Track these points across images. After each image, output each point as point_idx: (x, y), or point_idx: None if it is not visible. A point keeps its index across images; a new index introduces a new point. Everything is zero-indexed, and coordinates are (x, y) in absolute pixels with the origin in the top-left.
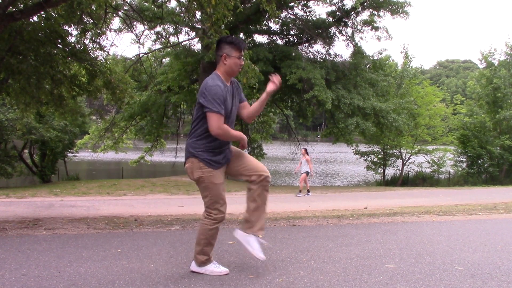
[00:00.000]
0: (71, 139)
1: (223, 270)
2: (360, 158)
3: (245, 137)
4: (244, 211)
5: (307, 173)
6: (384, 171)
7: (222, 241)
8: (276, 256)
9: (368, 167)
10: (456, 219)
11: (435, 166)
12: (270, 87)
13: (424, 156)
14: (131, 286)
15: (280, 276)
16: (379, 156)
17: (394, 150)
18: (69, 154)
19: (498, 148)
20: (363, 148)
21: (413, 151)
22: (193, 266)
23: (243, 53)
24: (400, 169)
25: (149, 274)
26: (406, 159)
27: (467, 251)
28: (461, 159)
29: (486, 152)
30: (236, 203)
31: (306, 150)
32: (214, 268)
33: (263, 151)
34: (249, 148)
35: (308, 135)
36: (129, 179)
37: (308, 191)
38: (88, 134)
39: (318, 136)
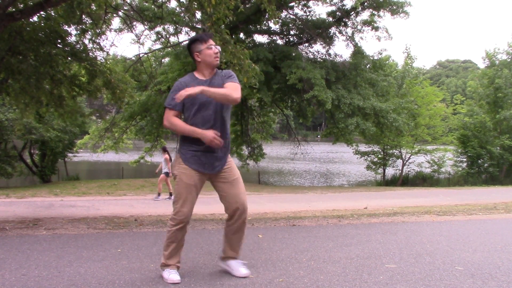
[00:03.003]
0: (71, 139)
1: (174, 279)
2: (360, 158)
3: (207, 136)
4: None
5: (167, 174)
6: (384, 171)
7: (222, 241)
8: (276, 256)
9: (368, 167)
10: (456, 219)
11: (435, 166)
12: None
13: (424, 156)
14: (131, 286)
15: (280, 276)
16: (379, 156)
17: (394, 150)
18: (69, 154)
19: (498, 148)
20: (363, 148)
21: (413, 151)
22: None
23: (211, 42)
24: (400, 169)
25: (149, 274)
26: (406, 159)
27: (467, 251)
28: (461, 159)
29: (486, 152)
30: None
31: (164, 148)
32: (166, 274)
33: (263, 151)
34: (249, 148)
35: (308, 135)
36: (129, 179)
37: (171, 194)
38: (88, 134)
39: (318, 136)
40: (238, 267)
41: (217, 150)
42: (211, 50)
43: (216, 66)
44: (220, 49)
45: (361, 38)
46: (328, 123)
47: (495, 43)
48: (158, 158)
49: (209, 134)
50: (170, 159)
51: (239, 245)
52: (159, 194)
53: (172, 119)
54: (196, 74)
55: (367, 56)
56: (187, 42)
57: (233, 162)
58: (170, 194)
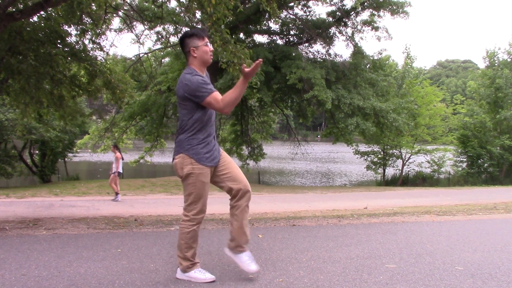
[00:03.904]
0: (71, 139)
1: (208, 277)
2: (360, 158)
3: (252, 70)
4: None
5: (118, 173)
6: (384, 171)
7: (222, 241)
8: (276, 256)
9: (368, 167)
10: (456, 219)
11: (435, 166)
12: (248, 69)
13: (424, 156)
14: (131, 286)
15: (280, 276)
16: (379, 156)
17: (394, 150)
18: (69, 154)
19: (498, 148)
20: (363, 148)
21: (413, 151)
22: (178, 273)
23: (207, 39)
24: (400, 169)
25: (149, 274)
26: (406, 159)
27: (467, 251)
28: (461, 159)
29: (486, 152)
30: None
31: (115, 145)
32: (199, 275)
33: (263, 151)
34: (249, 148)
35: (308, 135)
36: (129, 179)
37: (117, 194)
38: (88, 134)
39: (318, 136)
40: (249, 262)
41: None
42: (207, 47)
43: (208, 65)
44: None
45: (361, 38)
46: (328, 123)
47: (495, 43)
48: (158, 158)
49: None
50: (122, 158)
51: (246, 231)
52: (117, 194)
53: (222, 98)
54: (198, 70)
55: (367, 56)
56: (181, 35)
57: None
58: (116, 194)
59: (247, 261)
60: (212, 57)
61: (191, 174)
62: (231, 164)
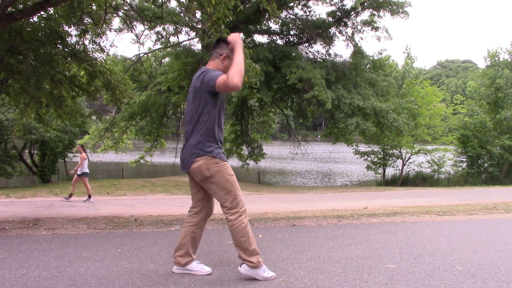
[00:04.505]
0: (71, 139)
1: (273, 274)
2: (360, 158)
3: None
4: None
5: (86, 174)
6: (384, 171)
7: (222, 241)
8: (276, 256)
9: (368, 167)
10: (456, 219)
11: (435, 166)
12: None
13: (424, 156)
14: (131, 286)
15: (280, 276)
16: (379, 156)
17: (394, 150)
18: (69, 154)
19: (498, 148)
20: (363, 148)
21: (413, 151)
22: (247, 270)
23: None
24: (400, 169)
25: (149, 274)
26: (406, 159)
27: (467, 251)
28: (461, 159)
29: (486, 152)
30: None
31: (82, 146)
32: (263, 273)
33: (263, 151)
34: (249, 148)
35: (308, 135)
36: (129, 179)
37: (70, 195)
38: (88, 134)
39: (318, 136)
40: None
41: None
42: None
43: None
44: None
45: (361, 38)
46: (328, 123)
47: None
48: (158, 158)
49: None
50: (88, 159)
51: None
52: (70, 195)
53: (226, 76)
54: None
55: (367, 56)
56: (222, 37)
57: None
58: (70, 195)
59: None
60: None
61: (220, 173)
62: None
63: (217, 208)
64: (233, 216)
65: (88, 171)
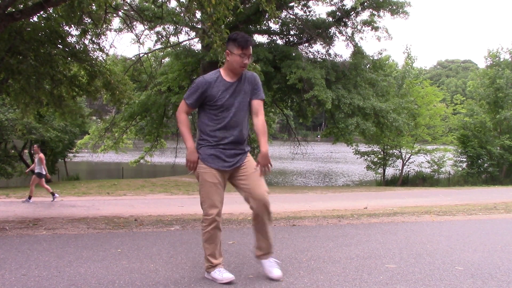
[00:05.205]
0: (71, 139)
1: (228, 277)
2: (360, 158)
3: (190, 155)
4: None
5: (40, 175)
6: (384, 171)
7: (222, 241)
8: (276, 256)
9: (368, 167)
10: (456, 219)
11: (435, 166)
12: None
13: (424, 156)
14: (131, 286)
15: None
16: (379, 156)
17: (394, 150)
18: (69, 154)
19: (498, 148)
20: (363, 148)
21: (413, 151)
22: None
23: (247, 51)
24: (400, 169)
25: (149, 274)
26: (406, 159)
27: (467, 251)
28: (461, 159)
29: (486, 152)
30: (236, 202)
31: (39, 146)
32: (216, 275)
33: None
34: (249, 148)
35: (308, 135)
36: (129, 179)
37: (53, 194)
38: (88, 134)
39: (318, 136)
40: (271, 268)
41: (237, 145)
42: (241, 59)
43: (240, 74)
44: (249, 62)
45: (361, 38)
46: (328, 123)
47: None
48: (158, 158)
49: (192, 157)
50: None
51: (268, 240)
52: (30, 197)
53: (182, 115)
54: (223, 74)
55: (367, 56)
56: (232, 34)
57: (251, 158)
58: (53, 194)
59: (268, 269)
60: (243, 69)
61: (197, 174)
62: (253, 173)
63: (224, 208)
64: (202, 219)
65: (44, 172)
